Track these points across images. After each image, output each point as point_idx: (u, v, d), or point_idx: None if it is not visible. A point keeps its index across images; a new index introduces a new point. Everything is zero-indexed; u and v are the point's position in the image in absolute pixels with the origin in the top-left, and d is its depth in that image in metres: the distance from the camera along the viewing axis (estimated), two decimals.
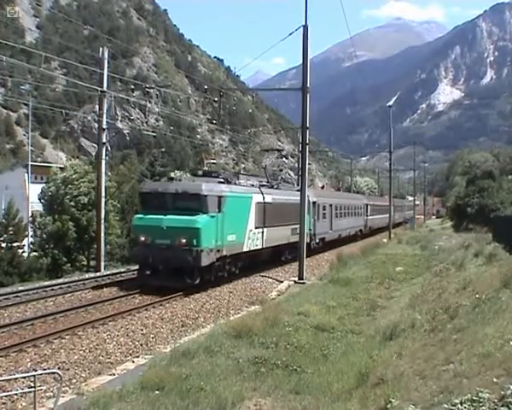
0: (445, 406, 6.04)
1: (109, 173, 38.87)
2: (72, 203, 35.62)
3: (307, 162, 26.10)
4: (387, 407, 7.18)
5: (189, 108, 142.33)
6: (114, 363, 11.77)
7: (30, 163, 53.61)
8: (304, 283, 23.42)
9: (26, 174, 53.34)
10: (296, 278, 24.24)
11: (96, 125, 28.21)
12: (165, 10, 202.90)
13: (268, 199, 25.50)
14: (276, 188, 29.39)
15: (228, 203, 21.03)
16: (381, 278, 23.19)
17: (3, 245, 33.92)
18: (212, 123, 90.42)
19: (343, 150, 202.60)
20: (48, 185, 37.62)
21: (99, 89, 26.32)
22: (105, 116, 26.49)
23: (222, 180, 22.55)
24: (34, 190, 43.15)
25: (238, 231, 22.24)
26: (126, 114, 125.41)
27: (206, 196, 19.64)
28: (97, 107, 29.23)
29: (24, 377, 9.50)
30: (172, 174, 39.08)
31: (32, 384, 8.13)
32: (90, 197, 35.29)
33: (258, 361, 10.95)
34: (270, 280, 24.29)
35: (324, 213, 36.73)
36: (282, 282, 23.96)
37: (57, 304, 17.69)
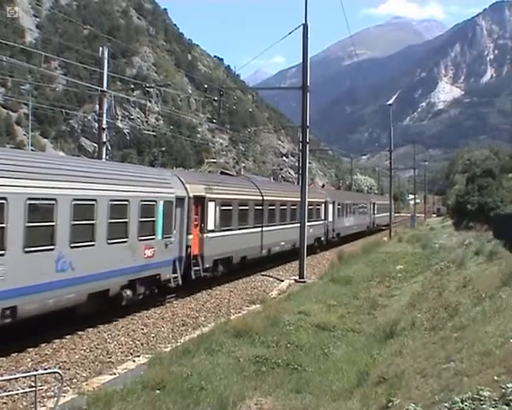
0: (446, 404, 6.04)
1: None
2: None
3: (307, 161, 26.13)
4: (388, 406, 7.18)
5: (189, 108, 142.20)
6: (115, 362, 11.77)
7: None
8: (304, 282, 23.43)
9: None
10: (297, 277, 24.28)
11: (97, 124, 28.23)
12: (165, 9, 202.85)
13: None
14: None
15: None
16: (382, 277, 23.21)
17: None
18: (213, 122, 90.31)
19: (343, 149, 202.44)
20: None
21: (99, 88, 26.27)
22: (105, 116, 26.43)
23: None
24: None
25: None
26: (126, 113, 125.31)
27: None
28: (97, 106, 29.18)
29: (25, 377, 9.49)
30: None
31: (33, 384, 8.13)
32: None
33: (259, 360, 10.97)
34: (271, 279, 24.32)
35: None
36: (282, 281, 23.99)
37: None
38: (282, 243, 29.01)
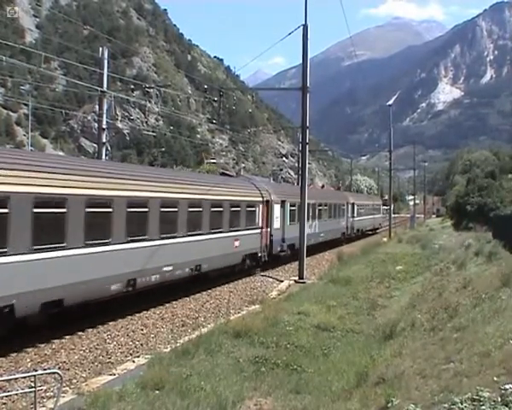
0: (446, 405, 6.03)
1: None
2: None
3: (307, 162, 26.12)
4: (388, 407, 7.17)
5: (189, 108, 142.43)
6: (115, 363, 11.75)
7: None
8: (304, 282, 23.41)
9: None
10: (296, 278, 24.26)
11: (96, 125, 28.21)
12: (165, 10, 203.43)
13: None
14: None
15: None
16: (382, 278, 23.16)
17: None
18: (212, 123, 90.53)
19: (343, 150, 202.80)
20: None
21: (99, 89, 26.28)
22: (105, 116, 26.44)
23: None
24: None
25: None
26: (126, 113, 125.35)
27: None
28: (97, 107, 29.21)
29: (24, 378, 9.48)
30: None
31: (33, 384, 8.11)
32: None
33: (259, 361, 10.94)
34: (271, 280, 24.30)
35: None
36: (282, 281, 23.97)
37: None
38: (167, 269, 17.45)
